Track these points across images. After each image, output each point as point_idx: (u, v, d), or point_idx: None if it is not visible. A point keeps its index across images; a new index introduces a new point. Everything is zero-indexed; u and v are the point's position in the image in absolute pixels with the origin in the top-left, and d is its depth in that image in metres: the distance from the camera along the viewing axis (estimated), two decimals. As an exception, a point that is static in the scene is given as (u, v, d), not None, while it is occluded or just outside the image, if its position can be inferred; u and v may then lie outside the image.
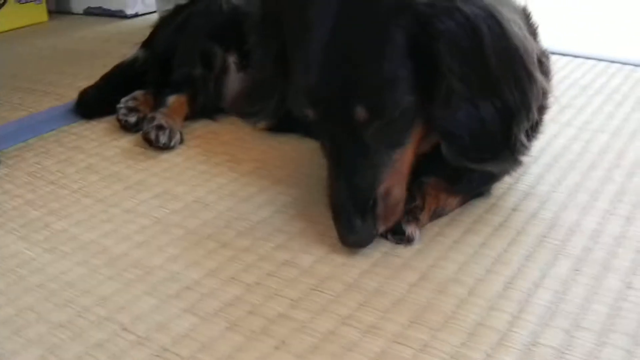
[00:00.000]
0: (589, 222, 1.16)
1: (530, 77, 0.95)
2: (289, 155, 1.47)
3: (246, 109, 1.24)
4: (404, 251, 1.09)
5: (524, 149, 1.04)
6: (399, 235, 1.09)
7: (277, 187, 1.32)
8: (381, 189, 1.04)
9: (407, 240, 1.09)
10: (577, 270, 1.02)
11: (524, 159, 1.09)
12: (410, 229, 1.09)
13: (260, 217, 1.22)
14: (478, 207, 1.22)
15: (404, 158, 1.05)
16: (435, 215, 1.16)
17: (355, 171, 1.02)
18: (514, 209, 1.22)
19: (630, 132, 1.54)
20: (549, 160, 1.39)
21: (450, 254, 1.09)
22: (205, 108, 1.67)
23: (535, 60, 0.98)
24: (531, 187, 1.30)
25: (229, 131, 1.62)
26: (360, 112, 0.97)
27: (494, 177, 1.20)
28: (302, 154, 1.47)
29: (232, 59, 1.66)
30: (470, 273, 1.03)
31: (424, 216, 1.13)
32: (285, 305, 0.97)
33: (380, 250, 1.09)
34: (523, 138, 0.98)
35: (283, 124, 1.56)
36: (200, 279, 1.04)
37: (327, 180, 1.09)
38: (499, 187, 1.27)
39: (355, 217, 1.02)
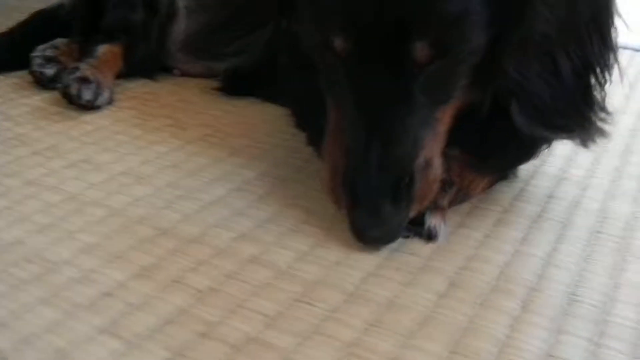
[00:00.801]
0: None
1: (613, 33, 0.76)
2: (248, 121, 1.15)
3: (215, 48, 0.89)
4: (418, 247, 0.78)
5: (606, 114, 0.78)
6: (417, 227, 0.77)
7: (235, 159, 0.99)
8: (420, 159, 0.74)
9: (428, 236, 0.78)
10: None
11: (608, 128, 0.80)
12: (433, 221, 0.78)
13: (213, 197, 0.89)
14: (504, 192, 0.93)
15: (445, 118, 0.76)
16: (458, 200, 0.86)
17: (393, 135, 0.71)
18: (550, 196, 0.93)
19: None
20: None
21: (483, 252, 0.78)
22: (144, 63, 1.34)
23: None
24: (563, 170, 1.02)
25: (173, 92, 1.28)
26: (422, 49, 0.68)
27: (530, 154, 0.91)
28: (264, 121, 1.15)
29: (181, 3, 1.31)
30: (517, 279, 0.73)
31: (445, 200, 0.81)
32: (256, 325, 0.65)
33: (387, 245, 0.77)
34: (603, 101, 0.78)
35: (240, 84, 1.25)
36: (127, 281, 0.71)
37: (328, 150, 0.78)
38: (524, 169, 0.97)
39: (386, 200, 0.71)
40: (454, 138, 0.81)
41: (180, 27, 1.34)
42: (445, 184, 0.80)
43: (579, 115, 0.76)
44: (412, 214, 0.75)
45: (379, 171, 0.71)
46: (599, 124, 0.77)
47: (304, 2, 0.74)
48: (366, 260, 0.76)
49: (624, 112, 1.29)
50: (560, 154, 1.06)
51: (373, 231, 0.73)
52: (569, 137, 0.80)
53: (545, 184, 0.97)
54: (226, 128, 1.12)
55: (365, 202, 0.72)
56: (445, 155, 0.81)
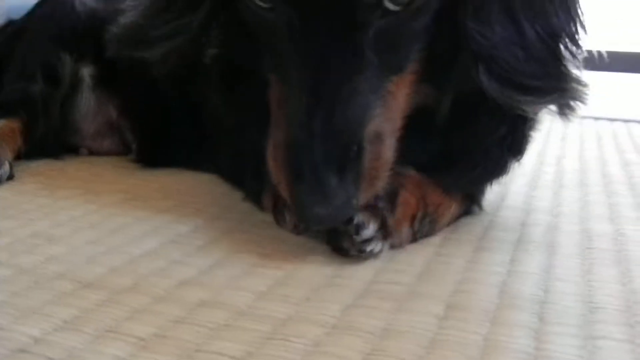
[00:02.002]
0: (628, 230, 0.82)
1: (578, 7, 0.70)
2: (171, 187, 1.02)
3: (146, 35, 0.77)
4: (398, 276, 0.66)
5: (578, 81, 0.69)
6: (351, 226, 0.67)
7: (163, 217, 0.86)
8: (370, 129, 0.63)
9: (356, 230, 0.67)
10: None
11: (586, 90, 0.70)
12: (361, 216, 0.67)
13: (143, 250, 0.74)
14: (474, 224, 0.85)
15: (398, 94, 0.66)
16: (423, 228, 0.75)
17: (339, 97, 0.61)
18: (523, 224, 0.85)
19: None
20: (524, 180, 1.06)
21: (472, 275, 0.68)
22: (46, 141, 1.18)
23: None
24: (527, 203, 0.95)
25: (82, 168, 1.14)
26: None
27: (500, 168, 0.83)
28: (191, 185, 1.02)
29: (86, 71, 1.19)
30: (523, 295, 0.63)
31: (400, 227, 0.71)
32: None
33: (346, 275, 0.65)
34: (574, 69, 0.69)
35: (159, 153, 1.13)
36: (46, 335, 0.54)
37: (272, 130, 0.66)
38: (488, 201, 0.89)
39: (330, 172, 0.60)
40: (413, 154, 0.72)
41: (86, 99, 1.21)
42: (384, 209, 0.70)
43: (551, 78, 0.68)
44: (364, 196, 0.64)
45: (323, 140, 0.60)
46: (575, 87, 0.68)
47: None
48: (341, 293, 0.63)
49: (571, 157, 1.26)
50: (520, 191, 0.99)
51: (318, 208, 0.60)
52: (545, 102, 0.71)
53: (514, 214, 0.89)
54: (147, 193, 0.99)
55: (307, 175, 0.60)
56: (398, 174, 0.71)
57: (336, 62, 0.61)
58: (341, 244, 0.69)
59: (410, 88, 0.67)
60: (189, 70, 0.90)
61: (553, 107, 0.71)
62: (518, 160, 0.82)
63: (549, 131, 1.45)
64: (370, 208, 0.68)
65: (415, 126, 0.69)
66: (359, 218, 0.67)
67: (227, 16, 0.74)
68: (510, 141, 0.79)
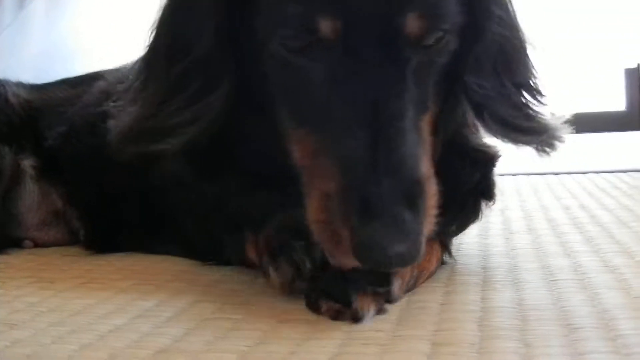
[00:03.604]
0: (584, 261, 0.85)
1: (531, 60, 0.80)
2: (127, 268, 1.00)
3: (161, 125, 0.74)
4: (377, 324, 0.66)
5: (554, 127, 0.78)
6: (382, 288, 0.66)
7: (125, 296, 0.84)
8: (425, 166, 0.65)
9: (354, 318, 0.65)
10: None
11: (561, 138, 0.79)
12: (397, 285, 0.68)
13: (112, 326, 0.72)
14: (437, 272, 0.85)
15: (426, 132, 0.69)
16: (410, 284, 0.75)
17: (398, 132, 0.62)
18: (485, 267, 0.88)
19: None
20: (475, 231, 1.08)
21: (450, 315, 0.70)
22: (-13, 237, 1.13)
23: None
24: (482, 250, 0.97)
25: (30, 259, 1.11)
26: (414, 21, 0.63)
27: (476, 212, 0.87)
28: (146, 266, 1.01)
29: (27, 162, 1.17)
30: (504, 326, 0.65)
31: (398, 291, 0.71)
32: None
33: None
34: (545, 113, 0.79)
35: (110, 239, 1.11)
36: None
37: (308, 186, 0.66)
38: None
39: (403, 206, 0.59)
40: None
41: (29, 192, 1.19)
42: None
43: (532, 125, 0.76)
44: (427, 232, 0.63)
45: (390, 175, 0.60)
46: (552, 132, 0.77)
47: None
48: (326, 344, 0.62)
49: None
50: (472, 240, 1.02)
51: (398, 245, 0.58)
52: (538, 140, 0.78)
53: (473, 260, 0.92)
54: (104, 275, 0.96)
55: (382, 212, 0.58)
56: None
57: (386, 98, 0.62)
58: (319, 308, 0.67)
59: (432, 128, 0.69)
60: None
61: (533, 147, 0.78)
62: (490, 205, 0.85)
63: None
64: (372, 292, 0.66)
65: None
66: (356, 303, 0.64)
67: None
68: (483, 187, 0.82)
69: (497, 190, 0.88)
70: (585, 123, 3.20)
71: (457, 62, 0.71)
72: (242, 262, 0.84)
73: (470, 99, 0.74)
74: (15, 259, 1.11)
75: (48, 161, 1.19)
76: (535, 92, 0.77)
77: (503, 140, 0.76)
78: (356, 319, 0.64)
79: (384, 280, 0.67)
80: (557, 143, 0.77)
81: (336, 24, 0.62)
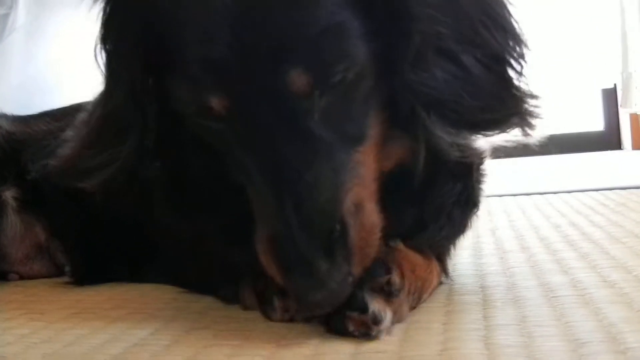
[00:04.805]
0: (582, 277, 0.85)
1: (513, 24, 0.72)
2: (118, 297, 0.99)
3: (82, 164, 0.78)
4: (382, 345, 0.66)
5: (533, 97, 0.71)
6: (358, 312, 0.65)
7: (119, 325, 0.82)
8: (347, 203, 0.64)
9: (373, 321, 0.65)
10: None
11: (539, 109, 0.72)
12: (376, 304, 0.66)
13: (109, 356, 0.70)
14: (436, 293, 0.85)
15: (367, 160, 0.68)
16: (412, 301, 0.75)
17: (304, 181, 0.63)
18: (483, 286, 0.87)
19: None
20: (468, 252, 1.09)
21: (454, 334, 0.69)
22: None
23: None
24: (477, 270, 0.96)
25: (17, 291, 1.09)
26: (297, 77, 0.62)
27: (464, 225, 0.86)
28: (137, 295, 0.99)
29: (9, 194, 1.15)
30: (509, 344, 0.64)
31: (403, 300, 0.71)
32: None
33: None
34: (523, 85, 0.71)
35: (97, 271, 1.09)
36: None
37: (258, 224, 0.67)
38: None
39: (317, 257, 0.61)
40: (394, 222, 0.72)
41: (13, 223, 1.17)
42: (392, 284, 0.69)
43: (507, 105, 0.70)
44: (357, 269, 0.64)
45: (301, 228, 0.61)
46: (530, 104, 0.70)
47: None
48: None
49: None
50: (467, 261, 1.02)
51: (313, 295, 0.61)
52: (505, 129, 0.72)
53: (471, 280, 0.91)
54: (95, 305, 0.94)
55: (296, 266, 0.61)
56: (389, 249, 0.72)
57: (291, 152, 0.63)
58: (346, 328, 0.66)
59: (377, 150, 0.69)
60: (130, 186, 0.87)
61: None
62: (475, 213, 0.85)
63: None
64: (383, 294, 0.67)
65: (394, 193, 0.71)
66: (374, 307, 0.65)
67: (176, 133, 0.75)
68: (466, 196, 0.81)
69: (482, 198, 0.87)
70: (565, 144, 3.26)
71: (394, 62, 0.67)
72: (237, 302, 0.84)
73: (417, 99, 0.67)
74: (1, 292, 1.09)
75: (31, 193, 1.17)
76: (514, 60, 0.70)
77: (470, 134, 0.72)
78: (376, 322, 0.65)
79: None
80: (534, 119, 0.71)
81: (224, 101, 0.63)
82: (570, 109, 3.52)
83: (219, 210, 0.79)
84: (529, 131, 0.71)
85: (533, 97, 0.71)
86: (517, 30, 0.72)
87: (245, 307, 0.81)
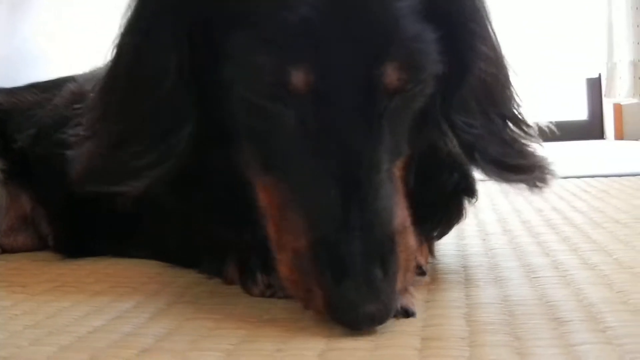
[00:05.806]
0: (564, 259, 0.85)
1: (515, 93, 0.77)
2: (101, 271, 0.98)
3: (122, 167, 0.70)
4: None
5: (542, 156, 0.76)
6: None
7: (101, 298, 0.82)
8: (398, 222, 0.62)
9: (405, 313, 0.65)
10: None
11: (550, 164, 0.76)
12: (407, 301, 0.66)
13: (91, 328, 0.70)
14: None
15: (402, 175, 0.68)
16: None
17: (372, 188, 0.60)
18: (465, 267, 0.87)
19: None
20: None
21: (436, 311, 0.69)
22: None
23: None
24: (460, 250, 0.97)
25: (0, 265, 1.07)
26: (392, 71, 0.60)
27: (460, 213, 0.87)
28: (120, 269, 0.99)
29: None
30: (492, 321, 0.65)
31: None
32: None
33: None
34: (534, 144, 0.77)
35: (80, 242, 1.08)
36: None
37: (275, 241, 0.65)
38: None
39: (375, 265, 0.58)
40: None
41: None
42: None
43: (520, 155, 0.73)
44: (400, 286, 0.62)
45: (363, 233, 0.58)
46: (543, 165, 0.74)
47: (242, 41, 0.61)
48: (314, 340, 0.62)
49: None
50: (449, 242, 1.02)
51: (369, 306, 0.57)
52: (531, 179, 0.75)
53: (453, 260, 0.93)
54: (77, 279, 0.94)
55: (353, 272, 0.57)
56: None
57: (362, 151, 0.60)
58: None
59: (407, 170, 0.69)
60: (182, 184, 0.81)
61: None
62: (472, 202, 0.85)
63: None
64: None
65: None
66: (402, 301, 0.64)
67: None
68: (464, 185, 0.82)
69: (478, 187, 0.88)
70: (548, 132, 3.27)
71: (439, 102, 0.69)
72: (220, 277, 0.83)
73: (459, 139, 0.70)
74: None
75: (17, 164, 1.16)
76: (521, 122, 0.74)
77: (497, 180, 0.72)
78: None
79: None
80: (549, 178, 0.74)
81: (309, 76, 0.59)
82: (555, 98, 3.53)
83: (211, 187, 0.77)
84: (540, 186, 0.74)
85: (545, 162, 0.75)
86: (516, 97, 0.75)
87: (229, 282, 0.81)
